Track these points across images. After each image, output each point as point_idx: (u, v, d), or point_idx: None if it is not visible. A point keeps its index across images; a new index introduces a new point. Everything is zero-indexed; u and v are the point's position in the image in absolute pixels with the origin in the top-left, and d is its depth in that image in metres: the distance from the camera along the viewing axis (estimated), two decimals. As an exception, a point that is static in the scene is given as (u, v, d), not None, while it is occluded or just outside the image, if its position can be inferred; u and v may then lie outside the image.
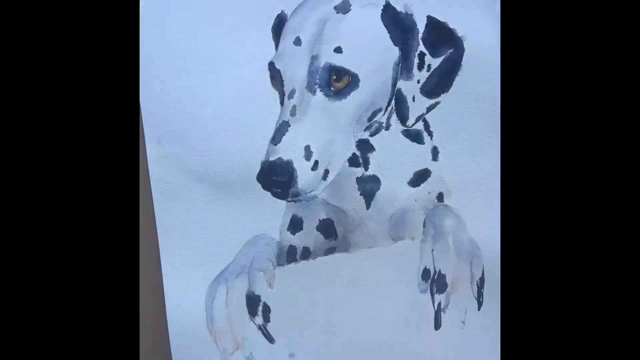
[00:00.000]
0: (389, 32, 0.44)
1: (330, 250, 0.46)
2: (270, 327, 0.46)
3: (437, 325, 0.45)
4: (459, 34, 0.44)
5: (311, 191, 0.44)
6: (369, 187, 0.46)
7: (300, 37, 0.44)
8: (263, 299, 0.46)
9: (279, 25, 0.45)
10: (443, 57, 0.44)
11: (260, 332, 0.46)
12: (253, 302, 0.46)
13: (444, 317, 0.46)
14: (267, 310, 0.46)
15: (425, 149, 0.45)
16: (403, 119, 0.45)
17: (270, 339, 0.46)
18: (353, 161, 0.45)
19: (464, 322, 0.45)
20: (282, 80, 0.44)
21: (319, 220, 0.46)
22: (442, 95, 0.44)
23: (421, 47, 0.44)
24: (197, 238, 0.46)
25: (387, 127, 0.45)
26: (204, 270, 0.46)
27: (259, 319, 0.46)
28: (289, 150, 0.43)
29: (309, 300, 0.46)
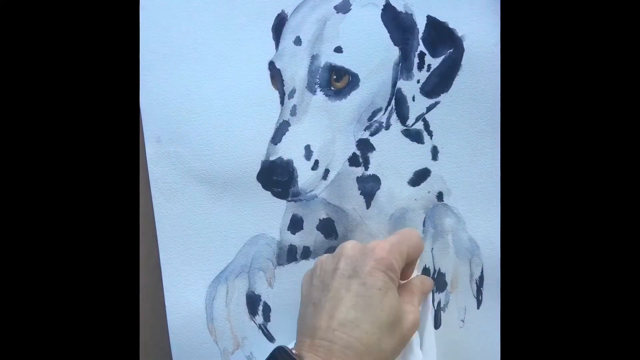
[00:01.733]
0: (389, 32, 0.44)
1: (330, 250, 0.46)
2: (270, 326, 0.46)
3: (437, 324, 0.46)
4: (459, 34, 0.44)
5: (311, 191, 0.44)
6: (369, 187, 0.46)
7: (301, 37, 0.44)
8: (263, 299, 0.46)
9: (279, 24, 0.45)
10: (443, 57, 0.44)
11: (260, 331, 0.46)
12: (253, 302, 0.46)
13: (443, 315, 0.46)
14: (267, 309, 0.46)
15: (425, 148, 0.45)
16: (403, 118, 0.45)
17: (270, 338, 0.46)
18: (353, 161, 0.45)
19: (463, 321, 0.45)
20: (283, 80, 0.44)
21: (319, 219, 0.46)
22: (442, 95, 0.44)
23: (421, 47, 0.44)
24: (197, 237, 0.46)
25: (387, 127, 0.45)
26: (204, 269, 0.46)
27: (259, 319, 0.46)
28: (289, 149, 0.43)
29: (309, 299, 0.46)
